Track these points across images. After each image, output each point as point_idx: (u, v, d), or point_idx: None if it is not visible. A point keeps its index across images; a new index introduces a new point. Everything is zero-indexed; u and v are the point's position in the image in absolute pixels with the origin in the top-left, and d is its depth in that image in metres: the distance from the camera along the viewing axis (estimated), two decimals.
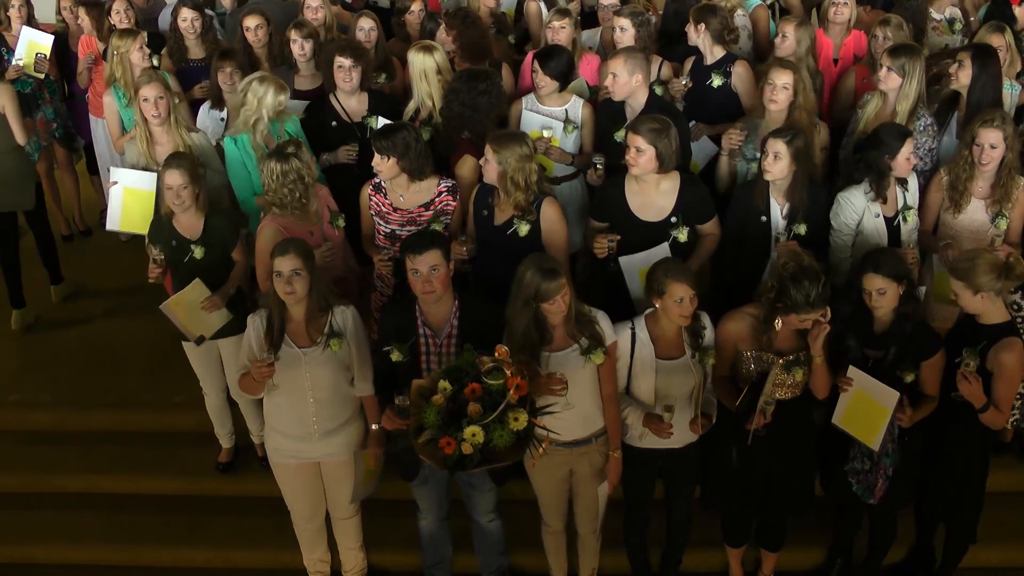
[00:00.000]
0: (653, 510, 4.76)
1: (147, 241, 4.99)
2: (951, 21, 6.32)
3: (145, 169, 5.24)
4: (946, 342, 4.34)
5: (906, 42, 5.43)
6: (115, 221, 5.29)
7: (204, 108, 5.85)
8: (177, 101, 5.44)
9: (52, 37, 6.70)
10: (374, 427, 4.50)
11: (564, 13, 5.84)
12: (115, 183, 5.25)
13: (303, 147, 4.88)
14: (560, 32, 5.73)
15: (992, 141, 4.67)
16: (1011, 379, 4.20)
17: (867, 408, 4.22)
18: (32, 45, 6.58)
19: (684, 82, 5.66)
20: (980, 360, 4.18)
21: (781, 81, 5.00)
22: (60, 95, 7.15)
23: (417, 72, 5.35)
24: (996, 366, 4.18)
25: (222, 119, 5.75)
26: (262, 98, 5.10)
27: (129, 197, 5.21)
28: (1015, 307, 4.80)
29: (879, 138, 4.74)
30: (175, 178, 4.74)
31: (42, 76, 6.71)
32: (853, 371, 4.22)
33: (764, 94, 5.09)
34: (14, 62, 6.60)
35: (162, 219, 4.89)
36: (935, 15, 6.51)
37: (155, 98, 5.17)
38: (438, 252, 4.09)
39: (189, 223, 4.86)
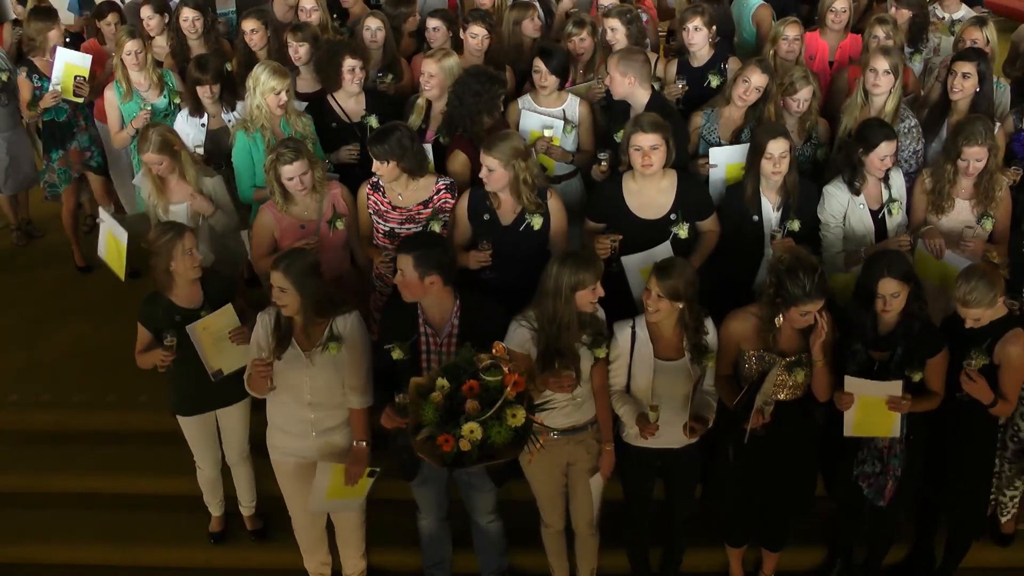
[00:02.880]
0: (654, 509, 4.75)
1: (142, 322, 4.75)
2: (953, 22, 6.30)
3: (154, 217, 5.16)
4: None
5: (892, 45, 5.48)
6: (102, 251, 5.30)
7: (183, 115, 5.71)
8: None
9: (90, 57, 6.28)
10: (358, 445, 4.46)
11: (582, 24, 5.78)
12: (102, 221, 5.22)
13: (300, 147, 4.84)
14: (584, 43, 5.70)
15: (978, 156, 4.73)
16: (1018, 370, 4.25)
17: (875, 409, 4.21)
18: (69, 68, 6.16)
19: (680, 85, 5.66)
20: (988, 358, 4.21)
21: (755, 84, 5.11)
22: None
23: (452, 75, 5.23)
24: (1003, 358, 4.23)
25: (203, 124, 5.67)
26: (257, 78, 5.18)
27: (110, 239, 5.17)
28: None
29: (862, 132, 4.79)
30: (192, 241, 4.54)
31: (81, 101, 6.31)
32: (850, 382, 4.20)
33: (736, 90, 5.18)
34: (51, 87, 6.20)
35: (156, 300, 4.61)
36: (939, 12, 6.51)
37: (156, 163, 5.01)
38: (409, 259, 4.06)
39: (187, 293, 4.60)
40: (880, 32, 5.65)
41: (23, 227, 7.47)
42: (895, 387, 4.15)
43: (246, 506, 5.22)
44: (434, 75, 5.24)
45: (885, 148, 4.71)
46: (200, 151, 5.51)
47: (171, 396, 4.87)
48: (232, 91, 5.69)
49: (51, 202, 6.92)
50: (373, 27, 5.99)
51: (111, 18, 6.55)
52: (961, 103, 5.23)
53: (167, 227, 4.55)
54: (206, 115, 5.68)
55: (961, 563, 4.83)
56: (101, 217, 5.26)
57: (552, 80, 5.29)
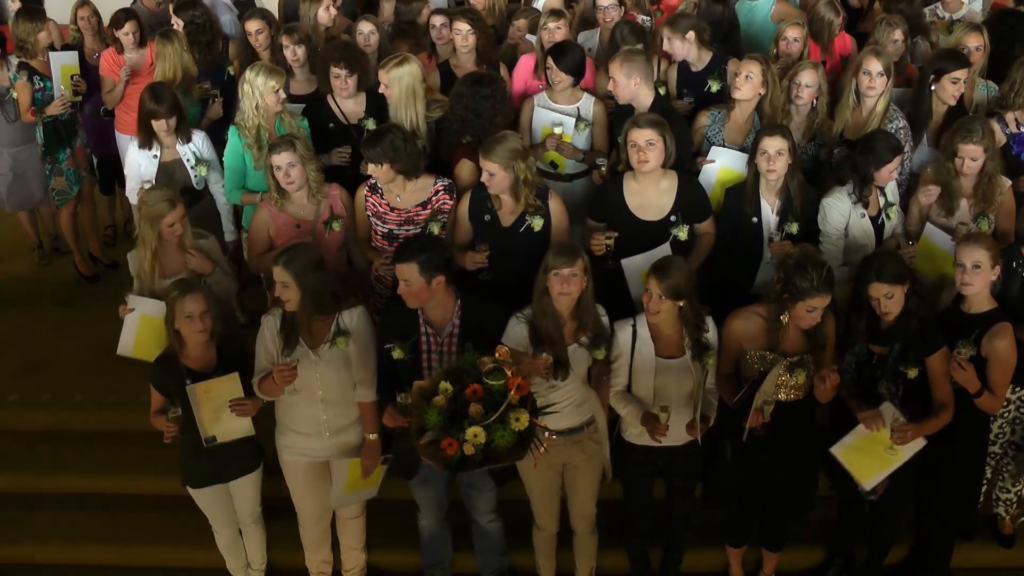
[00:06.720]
0: (653, 509, 4.75)
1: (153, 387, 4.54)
2: (953, 22, 6.28)
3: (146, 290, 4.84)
4: None
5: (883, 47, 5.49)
6: (127, 348, 4.80)
7: (133, 146, 5.45)
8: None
9: (75, 52, 6.35)
10: (369, 437, 4.48)
11: (559, 14, 5.78)
12: (132, 310, 4.75)
13: (295, 142, 4.82)
14: (556, 33, 5.69)
15: (973, 155, 4.74)
16: (1005, 363, 4.29)
17: (876, 448, 4.24)
18: (65, 70, 6.20)
19: (687, 101, 5.64)
20: (976, 349, 4.24)
21: (745, 72, 5.10)
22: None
23: (402, 83, 5.15)
24: (991, 351, 4.26)
25: (155, 156, 5.42)
26: (252, 81, 5.18)
27: (144, 325, 4.73)
28: None
29: (871, 146, 4.76)
30: (195, 305, 4.26)
31: (79, 99, 6.34)
32: (885, 407, 4.23)
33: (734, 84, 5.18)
34: (58, 95, 6.23)
35: (168, 362, 4.41)
36: (940, 11, 6.49)
37: (178, 219, 4.70)
38: (414, 267, 4.03)
39: (200, 356, 4.41)
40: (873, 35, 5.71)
41: (42, 244, 7.28)
42: (918, 444, 4.22)
43: (256, 569, 5.09)
44: (388, 86, 5.18)
45: (896, 163, 4.73)
46: (150, 184, 5.24)
47: (181, 467, 4.71)
48: (187, 123, 5.51)
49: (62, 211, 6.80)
50: (366, 31, 5.96)
51: (128, 27, 6.31)
52: (942, 107, 5.25)
53: (177, 284, 4.37)
54: (157, 147, 5.43)
55: (961, 563, 4.86)
56: (130, 305, 4.76)
57: (564, 78, 5.27)
